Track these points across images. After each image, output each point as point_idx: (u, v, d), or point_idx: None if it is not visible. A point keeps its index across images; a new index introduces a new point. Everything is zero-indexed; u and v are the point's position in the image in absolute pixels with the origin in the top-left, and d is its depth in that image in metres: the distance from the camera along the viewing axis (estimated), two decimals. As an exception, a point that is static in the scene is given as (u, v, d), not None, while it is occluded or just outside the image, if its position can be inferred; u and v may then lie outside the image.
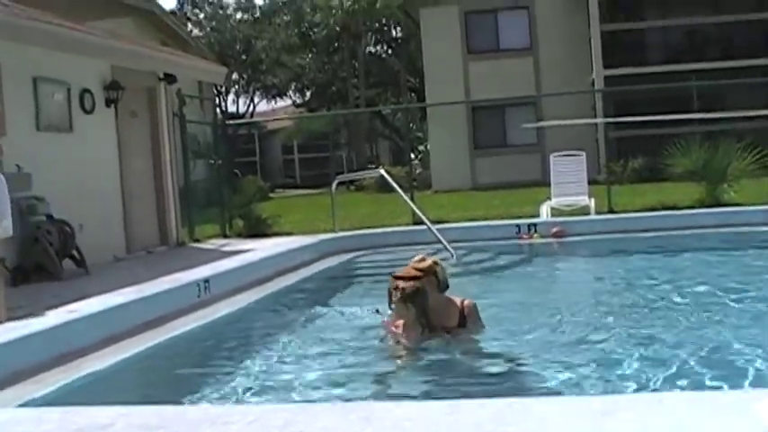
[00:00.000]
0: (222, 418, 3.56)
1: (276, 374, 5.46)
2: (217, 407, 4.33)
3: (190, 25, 46.80)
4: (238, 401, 4.84)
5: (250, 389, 5.10)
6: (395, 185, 12.68)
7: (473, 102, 29.08)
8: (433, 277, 5.77)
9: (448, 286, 5.93)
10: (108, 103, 13.01)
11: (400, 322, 5.78)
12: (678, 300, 7.36)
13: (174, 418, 3.62)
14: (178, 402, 4.68)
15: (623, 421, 3.08)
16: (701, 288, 7.91)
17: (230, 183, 19.05)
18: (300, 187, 42.06)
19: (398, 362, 5.66)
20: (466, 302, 5.93)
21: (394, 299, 5.71)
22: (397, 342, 5.80)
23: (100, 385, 5.34)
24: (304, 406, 4.14)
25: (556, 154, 16.25)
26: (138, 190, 13.96)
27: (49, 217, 10.82)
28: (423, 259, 5.89)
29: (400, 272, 5.82)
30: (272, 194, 31.62)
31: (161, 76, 14.58)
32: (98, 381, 5.37)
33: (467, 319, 5.87)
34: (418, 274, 5.72)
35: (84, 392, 5.14)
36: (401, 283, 5.66)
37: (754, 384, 4.52)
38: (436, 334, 5.75)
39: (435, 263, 5.88)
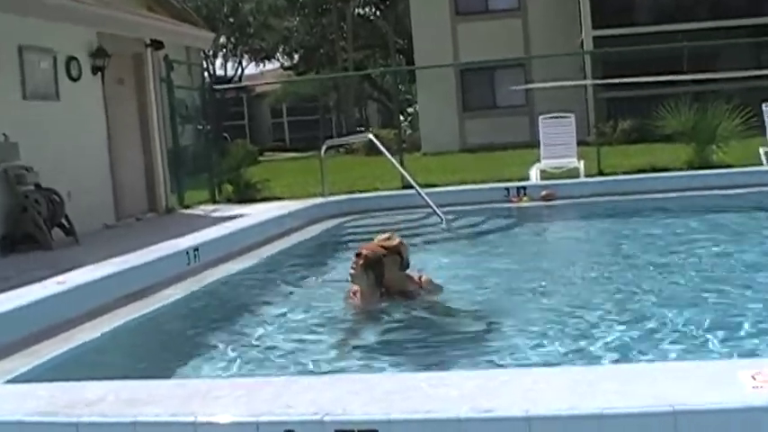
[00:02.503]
0: (212, 391, 3.59)
1: (264, 344, 5.48)
2: (206, 380, 4.35)
3: (176, -12, 46.27)
4: (227, 372, 4.88)
5: (238, 358, 5.14)
6: (383, 150, 12.64)
7: (461, 64, 28.95)
8: (397, 256, 5.95)
9: (408, 266, 6.09)
10: (94, 70, 12.93)
11: (357, 289, 5.96)
12: (666, 263, 7.37)
13: (163, 393, 3.64)
14: (167, 375, 4.70)
15: (606, 392, 3.12)
16: (689, 251, 7.91)
17: (219, 147, 19.00)
18: (290, 150, 41.89)
19: (358, 326, 5.83)
20: (423, 277, 6.16)
21: (353, 266, 5.88)
22: (354, 308, 6.00)
23: (88, 358, 5.34)
24: (292, 378, 4.16)
25: (544, 116, 16.22)
26: (126, 157, 13.91)
27: (38, 186, 10.78)
28: (389, 237, 6.07)
29: (365, 247, 5.99)
30: (261, 158, 31.45)
31: (148, 42, 14.47)
32: (87, 353, 5.37)
33: (423, 284, 6.12)
34: (384, 251, 5.91)
35: (74, 365, 5.14)
36: (363, 251, 5.84)
37: (742, 347, 4.56)
38: (394, 300, 5.96)
39: (401, 243, 6.05)
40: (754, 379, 3.03)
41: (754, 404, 2.87)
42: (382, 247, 5.96)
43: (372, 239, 6.19)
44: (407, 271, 6.15)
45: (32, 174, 10.74)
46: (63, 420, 3.30)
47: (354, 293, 6.05)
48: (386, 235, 6.17)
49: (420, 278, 6.17)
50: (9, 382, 4.40)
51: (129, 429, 3.24)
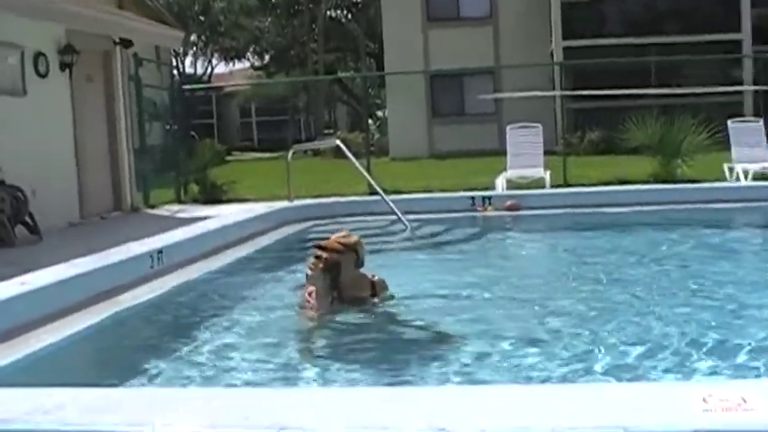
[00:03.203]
0: (170, 401, 3.60)
1: (222, 351, 5.47)
2: (164, 389, 4.36)
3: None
4: (185, 378, 4.88)
5: (197, 365, 5.14)
6: (351, 157, 12.68)
7: (431, 71, 29.07)
8: (353, 254, 6.06)
9: (363, 264, 6.20)
10: (62, 66, 12.86)
11: (313, 289, 6.00)
12: (627, 278, 7.42)
13: (122, 401, 3.65)
14: (127, 382, 4.71)
15: (560, 411, 3.16)
16: (651, 266, 8.00)
17: (186, 147, 18.94)
18: (257, 150, 41.84)
19: (313, 334, 5.93)
20: (376, 279, 6.28)
21: (312, 267, 5.94)
22: (306, 308, 6.07)
23: (49, 361, 5.32)
24: (250, 390, 4.18)
25: (512, 125, 16.34)
26: (92, 155, 13.85)
27: (1, 183, 10.70)
28: (347, 235, 6.21)
29: (324, 243, 6.08)
30: (228, 157, 31.48)
31: (116, 40, 14.40)
32: (47, 356, 5.35)
33: (377, 293, 6.23)
34: (341, 248, 6.01)
35: (33, 369, 5.12)
36: (323, 254, 5.91)
37: (698, 368, 4.62)
38: (347, 306, 6.06)
39: (358, 241, 6.17)
40: (706, 402, 3.09)
41: (702, 428, 2.93)
42: (339, 243, 6.04)
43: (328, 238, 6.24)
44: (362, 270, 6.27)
45: (-3, 170, 10.67)
46: (21, 428, 3.29)
47: (310, 294, 6.07)
48: (343, 232, 6.28)
49: (373, 277, 6.25)
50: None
51: (87, 439, 3.25)
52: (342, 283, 6.02)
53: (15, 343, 5.46)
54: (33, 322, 5.86)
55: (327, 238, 6.20)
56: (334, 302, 6.01)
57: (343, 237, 6.15)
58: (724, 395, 3.12)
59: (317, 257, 5.92)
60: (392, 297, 6.37)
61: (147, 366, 5.16)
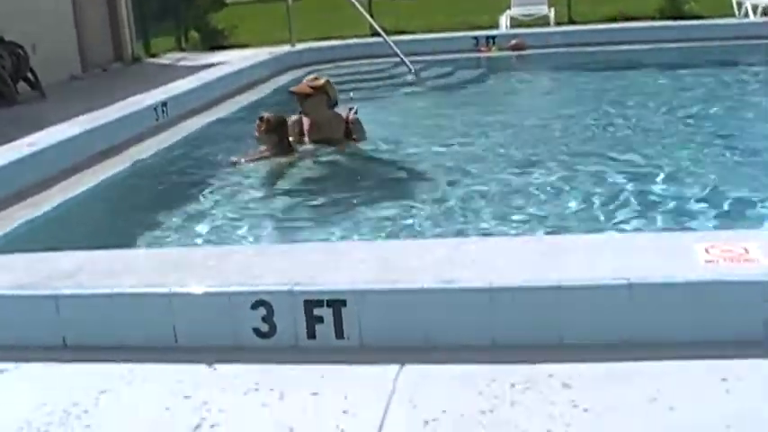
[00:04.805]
0: (184, 261, 3.70)
1: (233, 204, 5.59)
2: (178, 249, 4.43)
3: None
4: (196, 230, 5.00)
5: (207, 217, 5.28)
6: (356, 3, 12.46)
7: None
8: (324, 95, 6.49)
9: (337, 103, 6.65)
10: None
11: (264, 148, 6.40)
12: (631, 121, 7.35)
13: (139, 263, 3.75)
14: (138, 236, 4.82)
15: (566, 264, 3.24)
16: (654, 108, 7.89)
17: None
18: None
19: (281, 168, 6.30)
20: (351, 116, 6.67)
21: (257, 131, 6.35)
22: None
23: (63, 219, 5.40)
24: (261, 247, 4.27)
25: (516, -39, 15.91)
26: (89, 5, 13.60)
27: (1, 40, 10.56)
28: (316, 78, 6.64)
29: (295, 88, 6.60)
30: (228, 0, 30.89)
31: None
32: (60, 215, 5.43)
33: (351, 131, 6.62)
34: (311, 91, 6.47)
35: (48, 228, 5.21)
36: (265, 115, 6.35)
37: (700, 213, 4.68)
38: (319, 146, 6.52)
39: (327, 82, 6.58)
40: (708, 252, 3.16)
41: (704, 278, 3.01)
42: (310, 86, 6.49)
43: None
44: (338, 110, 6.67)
45: (-6, 28, 10.52)
46: (43, 293, 3.40)
47: (262, 151, 6.46)
48: (312, 75, 6.77)
49: (347, 116, 6.64)
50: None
51: (107, 301, 3.35)
52: (315, 123, 6.52)
53: (32, 202, 5.55)
54: (44, 181, 5.93)
55: (300, 82, 6.66)
56: (303, 143, 6.53)
57: (313, 80, 6.59)
58: (726, 246, 3.19)
59: (260, 119, 6.33)
60: (365, 138, 6.71)
61: (156, 219, 5.29)
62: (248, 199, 5.71)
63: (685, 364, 2.94)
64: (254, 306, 3.21)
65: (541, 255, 3.37)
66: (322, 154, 6.49)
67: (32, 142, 6.41)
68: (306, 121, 6.61)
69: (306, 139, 6.62)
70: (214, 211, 5.42)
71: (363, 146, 6.69)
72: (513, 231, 4.59)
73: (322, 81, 6.57)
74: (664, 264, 3.15)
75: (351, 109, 6.80)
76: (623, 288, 3.02)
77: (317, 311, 3.17)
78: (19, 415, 2.96)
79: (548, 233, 4.46)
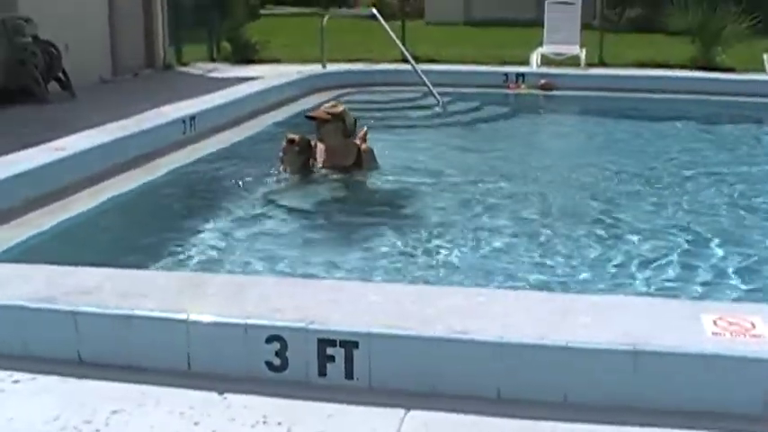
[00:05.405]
0: (204, 287, 3.78)
1: (254, 224, 5.72)
2: (198, 275, 4.51)
3: None
4: (213, 251, 5.11)
5: (225, 236, 5.42)
6: (386, 27, 12.57)
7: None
8: (341, 123, 6.65)
9: (353, 133, 6.80)
10: None
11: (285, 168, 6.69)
12: (655, 175, 7.32)
13: (158, 284, 3.83)
14: (153, 255, 4.92)
15: (578, 323, 3.30)
16: (681, 164, 7.85)
17: (220, 3, 18.70)
18: (292, 3, 41.21)
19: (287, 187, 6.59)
20: (363, 147, 6.86)
21: (285, 151, 6.59)
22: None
23: (83, 228, 5.51)
24: (280, 280, 4.33)
25: (550, 0, 16.00)
26: (125, 8, 13.76)
27: (35, 38, 10.69)
28: (335, 105, 6.84)
29: (313, 113, 6.81)
30: (262, 11, 31.16)
31: None
32: (82, 223, 5.54)
33: (362, 160, 6.78)
34: (328, 117, 6.64)
35: (69, 235, 5.31)
36: (294, 136, 6.60)
37: (717, 284, 4.70)
38: (334, 171, 6.71)
39: (345, 110, 6.77)
40: (716, 324, 3.21)
41: (710, 351, 3.06)
42: (328, 113, 6.65)
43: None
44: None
45: (31, 25, 10.64)
46: (63, 308, 3.48)
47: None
48: (331, 103, 6.96)
49: (361, 146, 6.83)
50: (8, 254, 4.59)
51: (125, 323, 3.43)
52: (329, 149, 6.69)
53: (54, 208, 5.65)
54: (70, 187, 6.04)
55: (319, 108, 6.89)
56: (314, 167, 6.71)
57: (331, 107, 6.77)
58: (734, 318, 3.24)
59: (291, 142, 6.55)
60: (377, 168, 6.88)
61: (179, 233, 5.43)
62: (264, 218, 5.87)
63: (685, 433, 2.99)
64: (269, 340, 3.29)
65: (551, 312, 3.42)
66: (334, 180, 6.65)
67: (59, 146, 6.54)
68: (320, 147, 6.75)
69: (318, 163, 6.75)
70: (229, 228, 5.58)
71: (374, 175, 6.84)
72: (520, 272, 4.70)
73: (340, 108, 6.74)
74: (671, 332, 3.20)
75: (362, 128, 6.99)
76: (628, 354, 3.08)
77: (329, 351, 3.24)
78: (32, 427, 3.05)
79: (557, 284, 4.53)
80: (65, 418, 3.09)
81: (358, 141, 6.88)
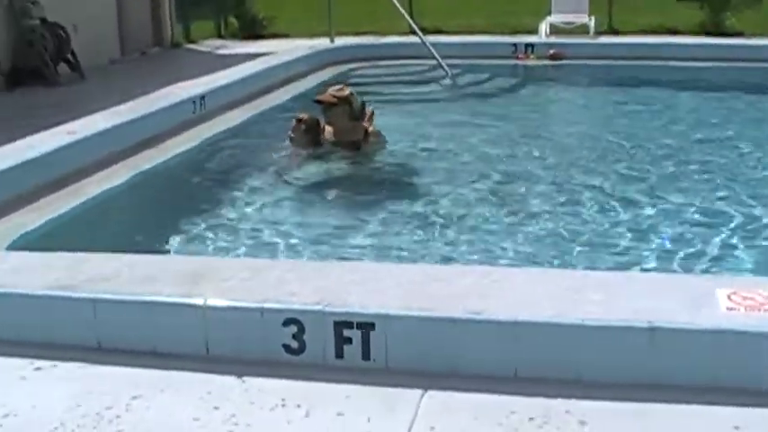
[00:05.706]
0: (220, 271, 3.80)
1: (266, 206, 5.76)
2: (215, 258, 4.55)
3: None
4: (226, 232, 5.16)
5: (234, 214, 5.54)
6: (396, 4, 12.51)
7: None
8: (347, 106, 6.72)
9: (360, 116, 6.84)
10: None
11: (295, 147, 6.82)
12: (667, 144, 7.31)
13: (176, 269, 3.85)
14: (173, 233, 4.97)
15: (593, 300, 3.32)
16: (690, 131, 7.85)
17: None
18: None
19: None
20: (371, 129, 6.94)
21: (294, 131, 6.74)
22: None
23: (97, 211, 5.54)
24: (296, 263, 4.36)
25: (558, -34, 15.84)
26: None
27: (43, 20, 10.69)
28: (341, 89, 6.88)
29: (320, 96, 6.84)
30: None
31: None
32: (96, 206, 5.57)
33: (369, 142, 6.87)
34: (335, 100, 6.71)
35: (83, 219, 5.35)
36: (303, 116, 6.76)
37: (732, 257, 4.70)
38: (342, 150, 6.78)
39: (351, 93, 6.83)
40: (730, 299, 3.22)
41: (724, 327, 3.08)
42: (334, 96, 6.72)
43: (350, 91, 6.84)
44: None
45: (38, 7, 10.63)
46: (83, 296, 3.52)
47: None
48: (339, 86, 6.99)
49: (368, 127, 6.89)
50: (23, 240, 4.63)
51: (144, 309, 3.47)
52: (336, 132, 6.77)
53: (68, 192, 5.68)
54: (83, 170, 6.07)
55: (326, 91, 6.92)
56: (324, 144, 6.79)
57: (338, 90, 6.83)
58: (748, 293, 3.25)
59: (299, 121, 6.70)
60: (384, 147, 6.97)
61: (192, 216, 5.45)
62: (277, 198, 5.94)
63: (700, 408, 3.01)
64: (286, 323, 3.32)
65: (566, 289, 3.44)
66: (341, 158, 6.74)
67: (71, 130, 6.56)
68: (328, 130, 6.83)
69: (327, 142, 6.83)
70: (242, 209, 5.67)
71: (382, 153, 6.94)
72: (528, 249, 4.72)
73: (347, 92, 6.80)
74: (685, 308, 3.22)
75: (366, 104, 7.02)
76: (644, 331, 3.10)
77: (346, 333, 3.27)
78: (54, 414, 3.09)
79: (570, 260, 4.54)
80: (86, 405, 3.13)
81: (366, 123, 6.93)
